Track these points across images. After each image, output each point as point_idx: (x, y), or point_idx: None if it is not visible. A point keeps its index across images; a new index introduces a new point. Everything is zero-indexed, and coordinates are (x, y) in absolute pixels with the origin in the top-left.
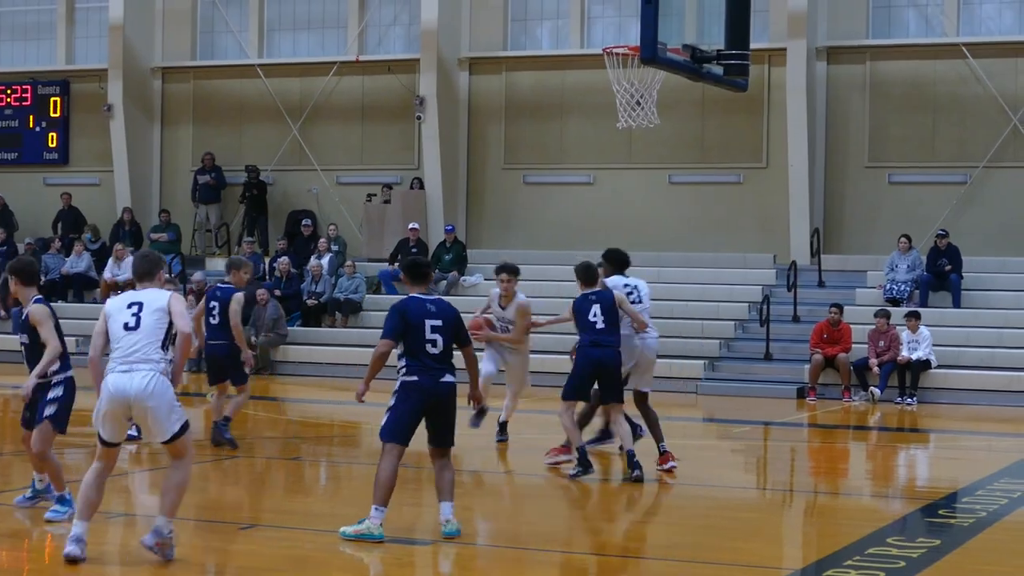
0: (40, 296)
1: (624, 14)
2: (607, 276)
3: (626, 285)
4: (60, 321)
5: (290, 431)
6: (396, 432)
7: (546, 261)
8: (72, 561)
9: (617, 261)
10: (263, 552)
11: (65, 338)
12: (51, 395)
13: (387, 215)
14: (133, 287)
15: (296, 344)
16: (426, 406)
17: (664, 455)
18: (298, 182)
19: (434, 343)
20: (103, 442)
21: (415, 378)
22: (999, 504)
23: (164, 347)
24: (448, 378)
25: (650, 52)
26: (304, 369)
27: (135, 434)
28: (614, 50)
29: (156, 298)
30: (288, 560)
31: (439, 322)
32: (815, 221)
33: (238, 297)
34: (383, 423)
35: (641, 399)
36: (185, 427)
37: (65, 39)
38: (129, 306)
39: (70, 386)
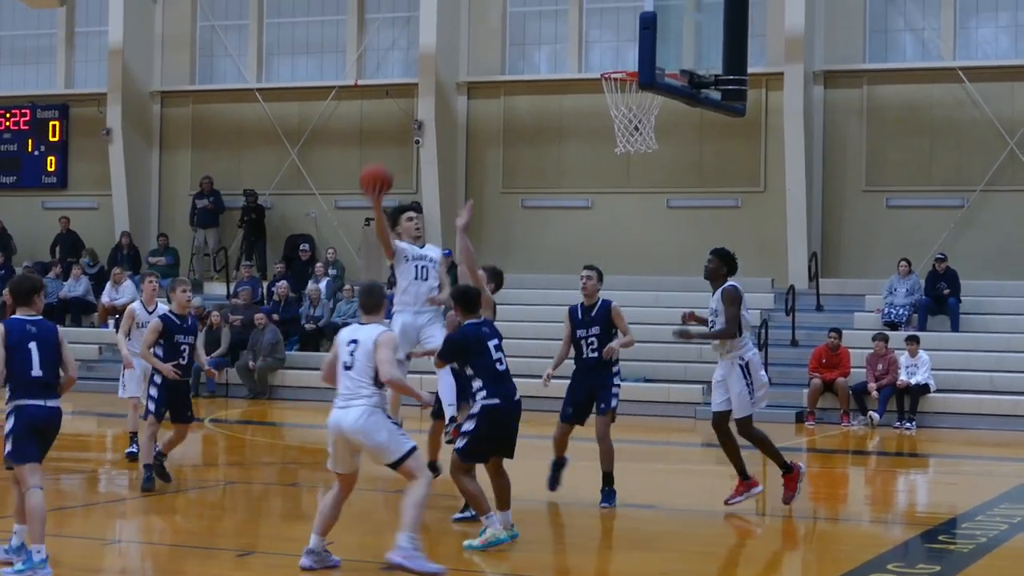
0: (14, 317)
1: (622, 39)
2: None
3: None
4: None
5: (288, 457)
6: (477, 455)
7: (544, 285)
8: (306, 568)
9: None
10: None
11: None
12: (6, 428)
13: None
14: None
15: (294, 369)
16: (506, 429)
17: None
18: (296, 206)
19: (500, 361)
20: (335, 472)
21: (497, 401)
22: (999, 530)
23: (377, 383)
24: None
25: (648, 77)
26: (302, 394)
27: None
28: (612, 75)
29: (369, 337)
30: None
31: (497, 341)
32: (813, 245)
33: (154, 325)
34: (461, 446)
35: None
36: (410, 452)
37: (64, 63)
38: (348, 343)
39: (21, 416)
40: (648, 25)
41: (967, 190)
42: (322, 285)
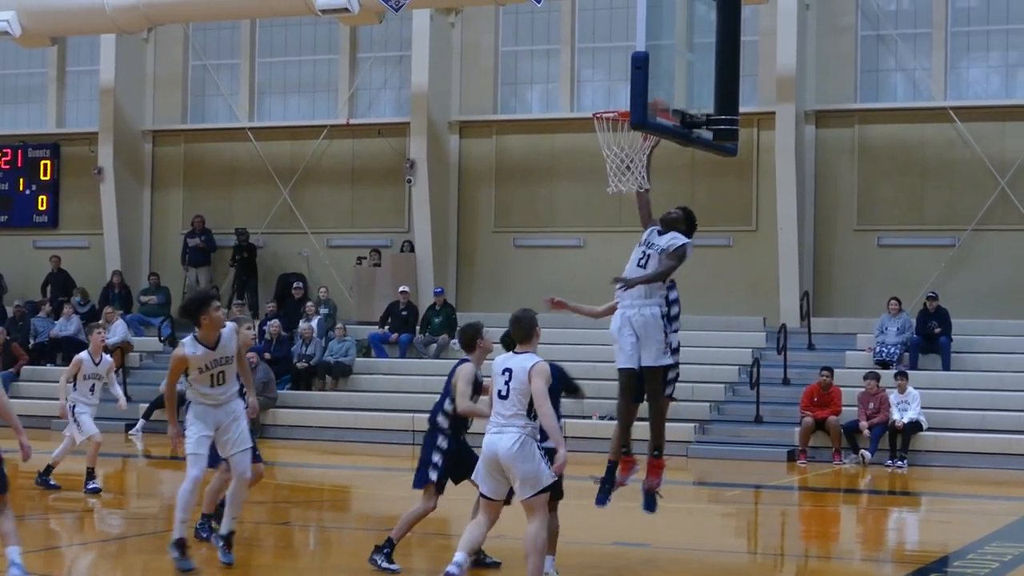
0: None
1: (613, 78)
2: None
3: None
4: (48, 384)
5: (279, 495)
6: None
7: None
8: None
9: None
10: None
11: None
12: None
13: (377, 278)
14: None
15: (286, 407)
16: None
17: None
18: (288, 245)
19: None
20: (483, 495)
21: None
22: (990, 568)
23: (530, 413)
24: None
25: (640, 117)
26: (294, 432)
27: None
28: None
29: (523, 366)
30: None
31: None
32: (805, 284)
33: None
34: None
35: None
36: (545, 490)
37: (56, 102)
38: (502, 372)
39: None
40: (640, 65)
41: (958, 229)
42: (314, 323)
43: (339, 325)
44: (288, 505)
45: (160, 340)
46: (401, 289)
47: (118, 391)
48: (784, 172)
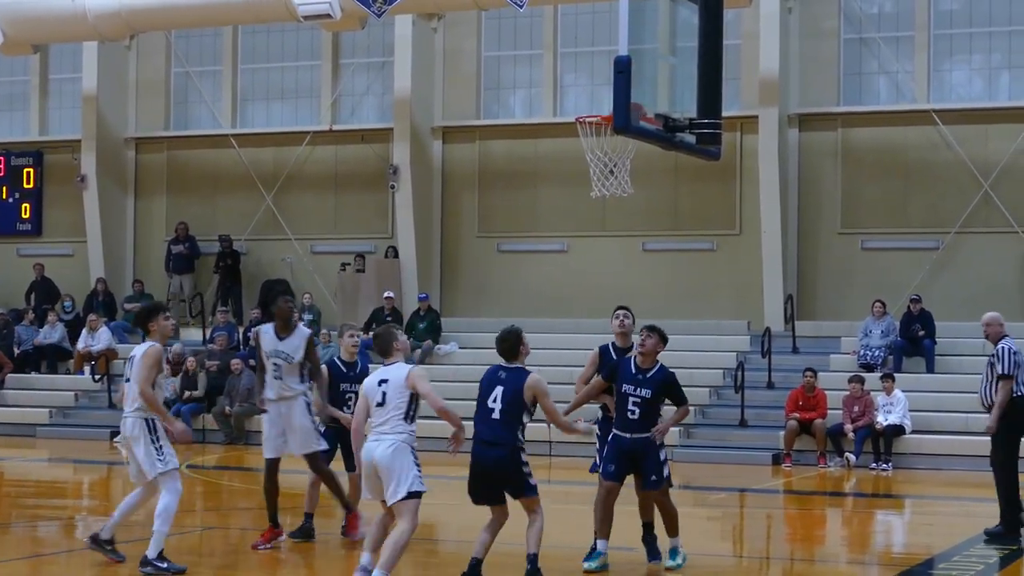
0: None
1: (596, 83)
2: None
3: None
4: (34, 392)
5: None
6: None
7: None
8: None
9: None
10: None
11: (39, 409)
12: None
13: (361, 284)
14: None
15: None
16: None
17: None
18: (272, 251)
19: None
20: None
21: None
22: (975, 570)
23: (407, 418)
24: None
25: (622, 121)
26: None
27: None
28: (587, 119)
29: (399, 375)
30: None
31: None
32: (788, 287)
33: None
34: (667, 473)
35: None
36: (411, 495)
37: (38, 110)
38: (379, 383)
39: None
40: (623, 69)
41: (942, 232)
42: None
43: (323, 331)
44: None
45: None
46: (386, 295)
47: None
48: (768, 176)
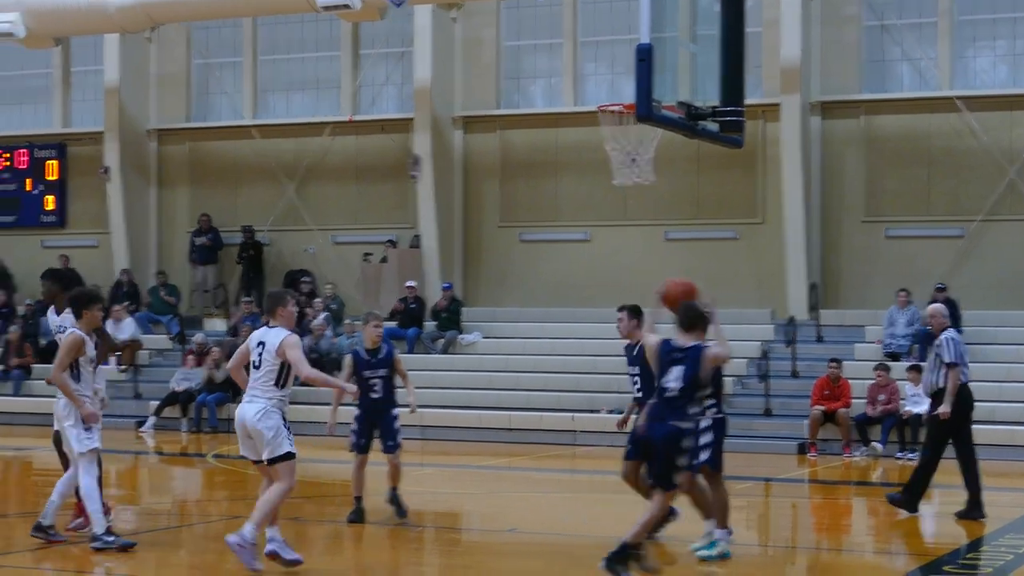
0: None
1: (617, 71)
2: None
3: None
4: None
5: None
6: (720, 462)
7: (542, 319)
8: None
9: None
10: None
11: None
12: None
13: (384, 274)
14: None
15: (297, 403)
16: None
17: None
18: (294, 242)
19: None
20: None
21: (722, 415)
22: (1005, 560)
23: (279, 384)
24: None
25: (645, 110)
26: (303, 428)
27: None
28: (608, 108)
29: (275, 340)
30: None
31: None
32: (812, 276)
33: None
34: (708, 457)
35: None
36: (285, 456)
37: (61, 103)
38: (257, 345)
39: None
40: (644, 57)
41: (967, 220)
42: (321, 318)
43: (347, 321)
44: (300, 500)
45: (169, 338)
46: (408, 284)
47: None
48: (790, 164)
